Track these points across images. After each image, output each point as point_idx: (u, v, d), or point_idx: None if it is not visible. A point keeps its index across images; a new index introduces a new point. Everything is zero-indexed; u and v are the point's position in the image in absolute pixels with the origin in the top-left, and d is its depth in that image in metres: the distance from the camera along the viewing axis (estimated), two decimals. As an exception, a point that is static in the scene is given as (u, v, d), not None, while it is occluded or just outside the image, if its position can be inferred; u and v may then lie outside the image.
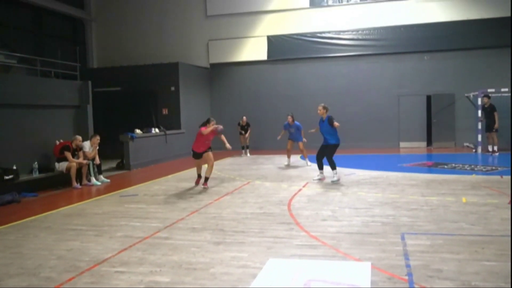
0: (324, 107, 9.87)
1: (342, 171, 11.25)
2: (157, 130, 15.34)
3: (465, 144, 16.57)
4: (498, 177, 9.66)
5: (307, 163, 12.58)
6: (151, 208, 7.56)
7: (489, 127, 14.33)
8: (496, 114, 14.15)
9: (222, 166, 13.28)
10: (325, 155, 9.79)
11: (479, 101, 15.07)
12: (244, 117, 16.62)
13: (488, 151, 14.47)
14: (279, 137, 13.56)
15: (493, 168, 11.19)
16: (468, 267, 4.31)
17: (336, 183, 9.46)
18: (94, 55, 20.16)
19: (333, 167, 9.74)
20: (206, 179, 9.43)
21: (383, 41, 17.53)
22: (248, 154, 16.43)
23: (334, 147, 9.80)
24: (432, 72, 17.24)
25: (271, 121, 18.38)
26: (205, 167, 9.73)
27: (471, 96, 16.41)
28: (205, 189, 9.19)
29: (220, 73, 19.33)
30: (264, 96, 18.76)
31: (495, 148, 14.19)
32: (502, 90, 15.00)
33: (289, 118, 12.89)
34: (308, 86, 18.22)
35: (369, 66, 17.83)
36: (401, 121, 17.49)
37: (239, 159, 15.40)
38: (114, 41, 19.94)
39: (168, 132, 15.67)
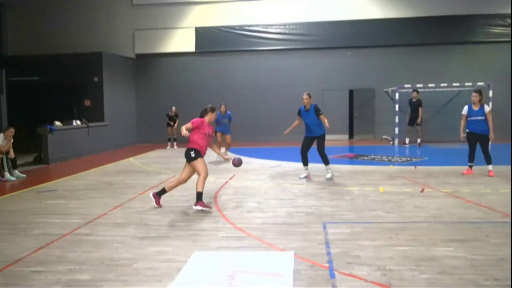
0: (309, 95, 9.18)
1: (268, 163, 11.47)
2: (78, 122, 14.67)
3: (384, 136, 17.46)
4: (412, 167, 10.29)
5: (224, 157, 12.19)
6: (71, 204, 7.24)
7: (413, 120, 15.16)
8: (421, 109, 15.02)
9: (148, 160, 13.00)
10: (309, 148, 9.13)
11: (397, 96, 15.94)
12: (173, 107, 16.26)
13: (405, 143, 15.33)
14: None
15: (408, 159, 11.90)
16: (384, 252, 4.56)
17: (330, 180, 8.88)
18: (9, 42, 18.84)
19: (327, 162, 9.02)
20: (199, 195, 6.47)
21: (309, 36, 17.97)
22: (175, 147, 16.18)
23: (324, 138, 9.08)
24: (354, 67, 17.97)
25: (198, 113, 18.27)
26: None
27: (390, 91, 17.31)
28: (154, 198, 6.91)
29: (147, 64, 18.85)
30: (192, 88, 18.55)
31: (419, 140, 15.07)
32: (417, 85, 15.95)
33: (222, 108, 12.20)
34: (236, 79, 18.30)
35: (295, 60, 18.21)
36: (325, 115, 17.94)
37: (166, 152, 15.15)
38: (32, 27, 18.72)
39: (90, 124, 15.04)
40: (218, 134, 12.37)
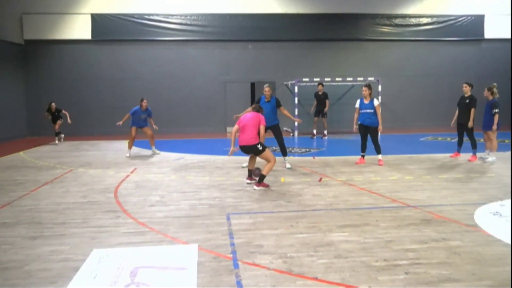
0: (270, 87, 9.17)
1: (171, 156, 11.30)
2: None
3: (285, 128, 18.02)
4: (311, 158, 10.76)
5: (155, 152, 11.83)
6: (-51, 204, 6.54)
7: (319, 113, 15.73)
8: (327, 101, 15.62)
9: (40, 154, 12.13)
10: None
11: (296, 89, 16.53)
12: (53, 104, 14.55)
13: (313, 134, 15.84)
14: (119, 123, 11.81)
15: (307, 150, 12.42)
16: (284, 240, 4.73)
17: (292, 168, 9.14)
18: None
19: (285, 153, 9.36)
20: (263, 177, 7.37)
21: (211, 27, 17.91)
22: (62, 141, 15.15)
23: (278, 127, 9.22)
24: (255, 60, 18.28)
25: (95, 105, 17.51)
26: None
27: (289, 84, 17.90)
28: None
29: (38, 51, 17.46)
30: (88, 78, 17.61)
31: (325, 132, 15.73)
32: (315, 79, 16.68)
33: (144, 103, 11.54)
34: (136, 69, 17.71)
35: (197, 52, 18.07)
36: (228, 107, 18.21)
37: (59, 146, 14.25)
38: None
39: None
40: (133, 129, 11.57)
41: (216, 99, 18.19)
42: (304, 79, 16.86)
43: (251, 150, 7.44)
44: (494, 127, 9.62)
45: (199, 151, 12.34)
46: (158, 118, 17.47)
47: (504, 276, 3.76)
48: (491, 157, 9.77)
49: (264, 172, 7.28)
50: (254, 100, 18.21)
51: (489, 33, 19.00)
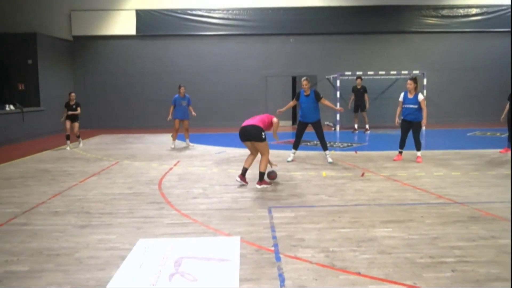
0: (308, 80, 9.03)
1: (213, 149, 11.43)
2: (12, 107, 13.89)
3: (326, 123, 17.87)
4: (353, 152, 10.63)
5: (188, 145, 12.08)
6: (5, 193, 6.87)
7: (358, 107, 15.51)
8: (366, 95, 15.40)
9: (88, 146, 12.56)
10: (303, 133, 9.26)
11: (338, 83, 16.33)
12: (73, 94, 12.73)
13: (355, 129, 15.64)
14: (169, 118, 12.02)
15: (349, 144, 12.27)
16: (326, 234, 4.71)
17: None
18: None
19: (326, 147, 9.21)
20: (262, 175, 7.08)
21: (252, 22, 17.95)
22: (81, 144, 12.94)
23: (320, 123, 9.13)
24: (297, 54, 18.18)
25: (140, 99, 17.95)
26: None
27: (331, 78, 17.70)
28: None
29: (85, 47, 18.06)
30: (132, 73, 18.05)
31: (367, 126, 15.51)
32: (357, 73, 16.41)
33: (182, 89, 11.77)
34: (178, 64, 17.99)
35: (238, 46, 18.15)
36: (269, 101, 18.22)
37: (107, 137, 14.70)
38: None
39: (25, 109, 14.29)
40: (176, 121, 11.83)
41: (257, 93, 18.23)
42: (347, 73, 16.63)
43: (252, 134, 7.01)
44: None
45: (240, 145, 12.31)
46: (199, 112, 17.67)
47: (558, 277, 3.60)
48: None
49: (262, 169, 6.97)
50: (295, 94, 18.14)
51: (542, 24, 18.10)
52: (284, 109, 9.38)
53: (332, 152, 10.69)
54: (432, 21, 18.11)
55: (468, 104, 18.23)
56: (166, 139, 13.41)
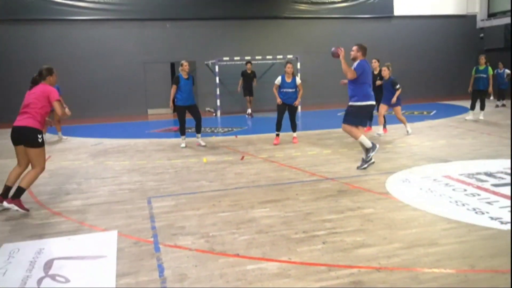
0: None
1: (89, 141, 10.85)
2: None
3: (207, 108, 17.92)
4: (233, 137, 10.80)
5: (61, 138, 11.23)
6: None
7: (249, 91, 15.67)
8: (255, 79, 15.61)
9: None
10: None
11: (216, 68, 16.41)
12: None
13: (250, 114, 15.74)
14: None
15: (229, 129, 12.45)
16: (207, 220, 4.74)
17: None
18: None
19: (200, 131, 9.63)
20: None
21: (126, 6, 17.20)
22: None
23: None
24: (175, 40, 17.87)
25: (3, 90, 16.29)
26: None
27: (210, 63, 17.73)
28: None
29: None
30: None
31: (249, 110, 15.71)
32: (235, 58, 16.65)
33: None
34: (47, 51, 16.52)
35: (112, 32, 17.30)
36: (148, 88, 17.72)
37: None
38: None
39: None
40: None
41: (136, 80, 17.61)
42: (225, 58, 16.76)
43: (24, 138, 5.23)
44: (394, 99, 9.77)
45: (119, 135, 11.95)
46: (75, 102, 16.64)
47: (411, 238, 4.03)
48: (408, 129, 10.06)
49: (24, 185, 5.24)
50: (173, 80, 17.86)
51: (398, 11, 19.97)
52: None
53: (213, 137, 10.76)
54: (303, 7, 19.00)
55: (338, 86, 19.47)
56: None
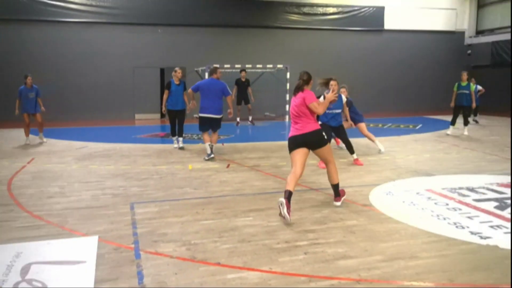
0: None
1: (75, 145, 10.75)
2: None
3: (195, 115, 17.84)
4: (220, 144, 10.77)
5: (42, 139, 11.08)
6: None
7: (241, 100, 15.42)
8: (250, 88, 15.54)
9: None
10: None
11: (206, 75, 16.37)
12: None
13: (238, 122, 15.50)
14: (17, 112, 10.93)
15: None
16: (189, 227, 4.71)
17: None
18: None
19: (181, 134, 10.09)
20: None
21: (118, 9, 17.15)
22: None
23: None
24: (166, 45, 17.85)
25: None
26: None
27: (200, 70, 17.73)
28: None
29: None
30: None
31: (250, 118, 15.57)
32: (225, 65, 16.67)
33: (29, 80, 10.78)
34: (37, 52, 16.38)
35: (104, 35, 17.22)
36: (136, 93, 17.64)
37: None
38: None
39: None
40: (25, 115, 10.92)
41: (125, 85, 17.52)
42: (215, 65, 16.72)
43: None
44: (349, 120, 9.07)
45: (105, 139, 11.85)
46: (63, 104, 16.55)
47: (392, 250, 4.05)
48: (380, 147, 9.40)
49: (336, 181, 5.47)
50: (164, 86, 17.79)
51: (388, 24, 20.20)
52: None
53: (200, 144, 10.72)
54: (294, 17, 19.13)
55: (327, 96, 19.58)
56: (19, 134, 12.20)
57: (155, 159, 8.77)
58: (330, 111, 8.03)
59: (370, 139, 9.46)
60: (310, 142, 5.27)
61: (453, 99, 12.24)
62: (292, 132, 5.33)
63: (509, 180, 6.70)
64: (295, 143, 5.30)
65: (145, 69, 17.73)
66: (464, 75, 12.15)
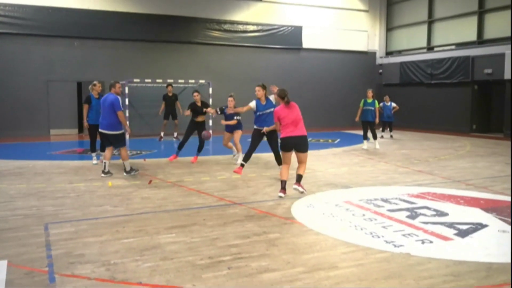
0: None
1: (-20, 163, 9.97)
2: None
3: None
4: (141, 160, 10.51)
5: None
6: None
7: (169, 115, 15.14)
8: (178, 102, 15.22)
9: None
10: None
11: (126, 90, 15.98)
12: None
13: (161, 137, 15.24)
14: None
15: (138, 152, 12.10)
16: (109, 247, 4.53)
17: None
18: None
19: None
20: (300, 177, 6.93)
21: (30, 21, 16.26)
22: None
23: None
24: (83, 59, 17.18)
25: None
26: None
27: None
28: None
29: None
30: None
31: (175, 134, 15.33)
32: (146, 80, 16.36)
33: None
34: None
35: (14, 47, 16.23)
36: (51, 108, 16.76)
37: None
38: None
39: None
40: None
41: (38, 99, 16.57)
42: (135, 80, 16.41)
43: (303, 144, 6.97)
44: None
45: (16, 156, 11.12)
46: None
47: (313, 262, 4.17)
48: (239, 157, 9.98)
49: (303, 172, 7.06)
50: (82, 100, 17.08)
51: (306, 43, 21.00)
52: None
53: (120, 160, 10.37)
54: (216, 34, 19.29)
55: (249, 112, 19.85)
56: None
57: (72, 177, 8.36)
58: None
59: (234, 149, 10.41)
60: (300, 143, 6.80)
61: (359, 114, 12.94)
62: (289, 134, 6.77)
63: (419, 191, 7.19)
64: (290, 144, 6.79)
65: (61, 83, 16.93)
66: (370, 92, 12.91)
